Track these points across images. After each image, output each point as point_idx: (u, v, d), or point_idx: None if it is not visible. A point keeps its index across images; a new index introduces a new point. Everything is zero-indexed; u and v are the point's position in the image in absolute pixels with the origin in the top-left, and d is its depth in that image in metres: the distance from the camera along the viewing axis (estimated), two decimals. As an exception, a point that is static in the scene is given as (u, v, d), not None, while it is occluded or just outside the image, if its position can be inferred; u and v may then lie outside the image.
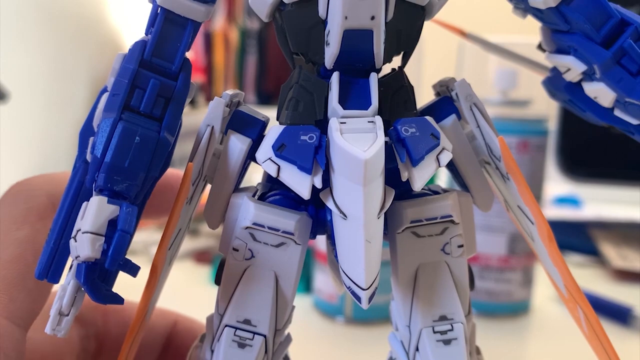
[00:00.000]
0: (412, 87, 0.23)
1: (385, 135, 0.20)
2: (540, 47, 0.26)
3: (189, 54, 0.22)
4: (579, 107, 0.25)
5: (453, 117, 0.23)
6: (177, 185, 0.22)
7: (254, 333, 0.22)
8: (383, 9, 0.20)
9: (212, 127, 0.22)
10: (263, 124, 0.23)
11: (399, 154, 0.20)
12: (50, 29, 1.22)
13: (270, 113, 0.24)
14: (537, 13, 0.23)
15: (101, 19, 1.44)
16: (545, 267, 0.24)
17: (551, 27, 0.24)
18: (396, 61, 0.23)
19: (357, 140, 0.19)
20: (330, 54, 0.21)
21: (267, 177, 0.25)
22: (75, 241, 0.19)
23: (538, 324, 0.53)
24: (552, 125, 0.75)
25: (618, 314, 0.52)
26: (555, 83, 0.26)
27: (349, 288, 0.20)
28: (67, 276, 0.20)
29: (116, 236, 0.19)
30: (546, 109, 0.53)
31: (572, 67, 0.23)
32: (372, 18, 0.20)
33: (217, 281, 0.23)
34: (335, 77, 0.21)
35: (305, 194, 0.20)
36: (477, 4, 1.21)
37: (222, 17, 1.76)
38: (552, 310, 0.55)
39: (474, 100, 0.22)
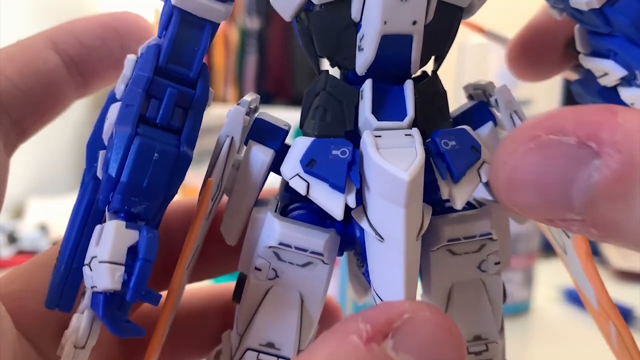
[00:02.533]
0: (445, 93, 0.21)
1: None
2: (570, 47, 0.25)
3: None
4: (611, 112, 0.24)
5: (490, 124, 0.22)
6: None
7: (278, 357, 0.21)
8: (424, 12, 0.18)
9: (232, 137, 0.20)
10: (285, 133, 0.22)
11: (439, 170, 0.19)
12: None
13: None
14: (576, 14, 0.22)
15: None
16: (576, 280, 0.23)
17: (590, 28, 0.22)
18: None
19: (395, 157, 0.18)
20: (364, 59, 0.19)
21: (286, 187, 0.24)
22: (91, 269, 0.18)
23: (538, 325, 0.53)
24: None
25: (619, 314, 0.52)
26: (586, 86, 0.24)
27: (385, 314, 0.19)
28: (81, 304, 0.19)
29: (138, 265, 0.17)
30: (547, 108, 0.52)
31: (611, 72, 0.22)
32: (414, 23, 0.18)
33: (236, 298, 0.22)
34: (367, 85, 0.20)
35: (338, 214, 0.19)
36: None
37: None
38: (552, 311, 0.55)
39: (515, 107, 0.21)
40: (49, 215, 0.99)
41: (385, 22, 0.18)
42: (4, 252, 0.89)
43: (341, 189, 0.19)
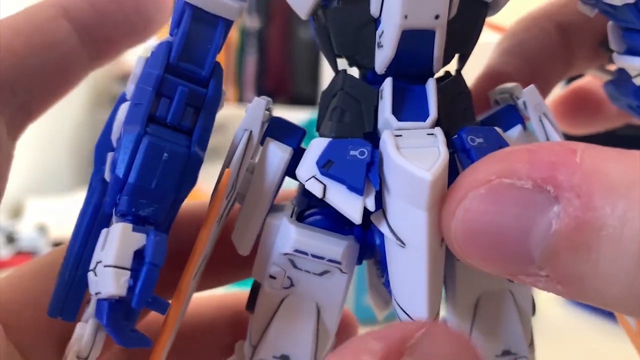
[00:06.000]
0: (470, 93, 0.20)
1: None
2: (603, 45, 0.23)
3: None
4: (647, 114, 0.23)
5: (519, 127, 0.20)
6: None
7: None
8: (447, 6, 0.17)
9: (250, 131, 0.20)
10: (303, 132, 0.21)
11: (463, 166, 0.18)
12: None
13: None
14: (609, 9, 0.21)
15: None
16: None
17: (623, 25, 0.21)
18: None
19: (417, 157, 0.17)
20: (384, 57, 0.18)
21: (303, 191, 0.23)
22: (96, 275, 0.17)
23: (540, 326, 0.53)
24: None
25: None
26: (621, 87, 0.23)
27: (406, 324, 0.18)
28: (85, 313, 0.18)
29: (144, 270, 0.16)
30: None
31: (647, 71, 0.21)
32: (437, 17, 0.17)
33: (250, 307, 0.21)
34: (387, 84, 0.19)
35: (356, 217, 0.18)
36: None
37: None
38: (554, 313, 0.54)
39: (544, 109, 0.20)
40: (48, 215, 0.97)
41: (406, 16, 0.17)
42: (2, 252, 0.89)
43: (359, 191, 0.18)
